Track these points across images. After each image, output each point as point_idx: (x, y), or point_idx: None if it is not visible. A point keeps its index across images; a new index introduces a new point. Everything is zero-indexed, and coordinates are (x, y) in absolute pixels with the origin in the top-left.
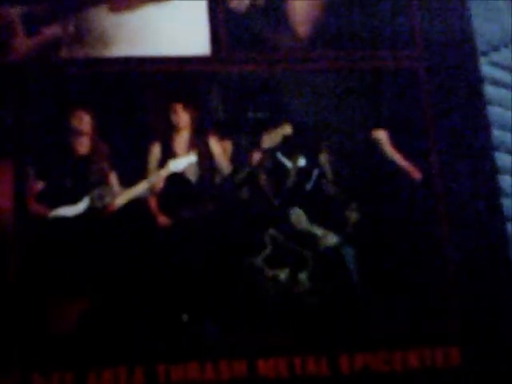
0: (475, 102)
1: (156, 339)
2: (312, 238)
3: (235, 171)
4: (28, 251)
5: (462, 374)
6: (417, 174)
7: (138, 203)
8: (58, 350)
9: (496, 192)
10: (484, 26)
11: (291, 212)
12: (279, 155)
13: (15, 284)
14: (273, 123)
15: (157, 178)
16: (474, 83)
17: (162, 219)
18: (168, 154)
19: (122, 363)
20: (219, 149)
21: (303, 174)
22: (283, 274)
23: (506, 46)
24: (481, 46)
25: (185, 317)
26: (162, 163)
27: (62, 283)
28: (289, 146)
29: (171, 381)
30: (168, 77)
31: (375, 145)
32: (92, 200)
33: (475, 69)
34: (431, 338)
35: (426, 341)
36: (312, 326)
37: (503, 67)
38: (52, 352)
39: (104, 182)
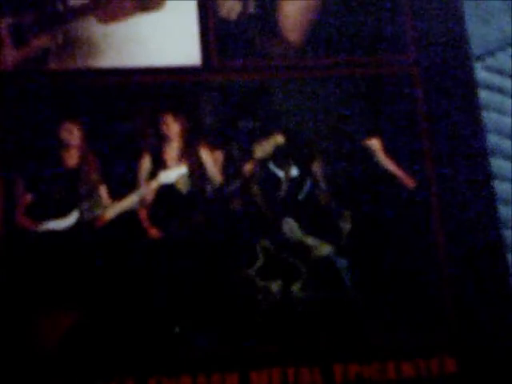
0: (470, 107)
1: (148, 352)
2: (305, 249)
3: (227, 182)
4: (16, 265)
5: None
6: (411, 182)
7: (128, 216)
8: (46, 365)
9: (492, 199)
10: (479, 29)
11: (284, 222)
12: (271, 165)
13: (2, 298)
14: (264, 133)
15: (147, 190)
16: (469, 88)
17: (153, 231)
18: (158, 165)
19: (113, 376)
20: (210, 159)
21: (296, 183)
22: (276, 286)
23: (502, 49)
24: (476, 50)
25: (177, 329)
26: (153, 175)
27: (51, 296)
28: (281, 156)
29: None
30: (158, 87)
31: (369, 153)
32: (82, 213)
33: (470, 74)
34: (426, 348)
35: (421, 351)
36: (305, 336)
37: (499, 72)
38: (40, 366)
39: (94, 194)
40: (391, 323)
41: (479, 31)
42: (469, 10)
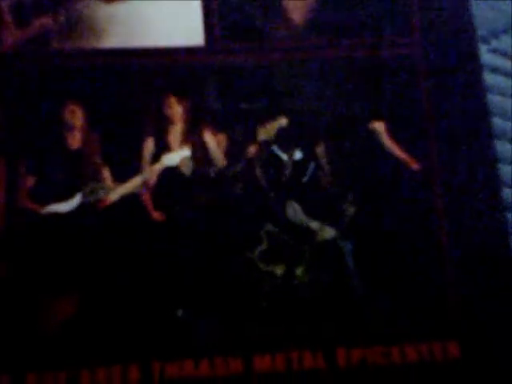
0: (475, 90)
1: (150, 336)
2: (308, 232)
3: (230, 164)
4: (20, 247)
5: (461, 367)
6: (415, 165)
7: (131, 198)
8: (50, 349)
9: (496, 182)
10: (484, 11)
11: (287, 206)
12: (275, 148)
13: (7, 279)
14: (268, 115)
15: (150, 173)
16: (474, 71)
17: (156, 214)
18: (162, 147)
19: (116, 361)
20: (214, 142)
21: (299, 166)
22: (279, 269)
23: (506, 32)
24: (481, 32)
25: (179, 312)
26: (156, 157)
27: (55, 279)
28: (284, 139)
29: (166, 378)
30: (161, 68)
31: (373, 136)
32: (85, 195)
33: (475, 56)
34: (430, 331)
35: (425, 334)
36: (309, 320)
37: (503, 54)
38: (44, 351)
39: (97, 176)
40: (395, 307)
41: (484, 13)
42: None
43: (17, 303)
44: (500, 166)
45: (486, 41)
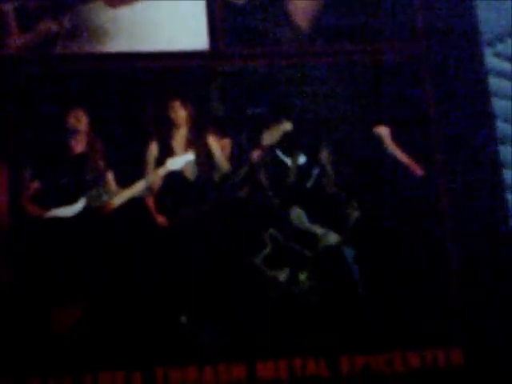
0: (479, 94)
1: (154, 343)
2: (312, 238)
3: (234, 169)
4: (25, 252)
5: (465, 374)
6: (419, 171)
7: (135, 203)
8: (53, 354)
9: (500, 186)
10: (489, 15)
11: (291, 211)
12: (279, 152)
13: (13, 284)
14: (272, 120)
15: (154, 177)
16: (479, 75)
17: (160, 219)
18: (166, 152)
19: (120, 367)
20: (218, 146)
21: (303, 171)
22: (283, 274)
23: (510, 36)
24: (485, 36)
25: (183, 319)
26: (160, 162)
27: (59, 284)
28: (289, 143)
29: None
30: (165, 73)
31: (377, 141)
32: (89, 200)
33: (480, 60)
34: (433, 338)
35: (428, 341)
36: (312, 326)
37: (508, 58)
38: (48, 355)
39: (101, 181)
40: (398, 314)
41: (489, 17)
42: None
43: (21, 308)
44: (505, 171)
45: (490, 45)
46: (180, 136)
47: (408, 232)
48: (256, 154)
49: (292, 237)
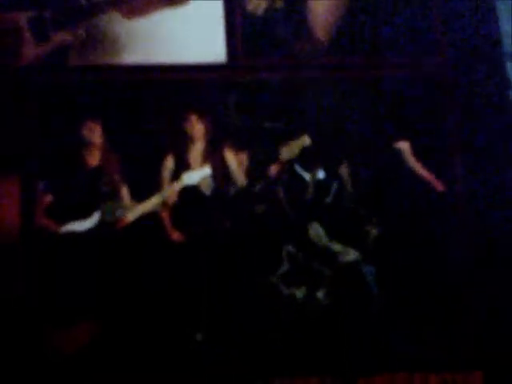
0: (502, 107)
1: (169, 360)
2: (331, 255)
3: (251, 184)
4: (37, 266)
5: None
6: (440, 186)
7: (150, 217)
8: (66, 370)
9: None
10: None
11: (309, 227)
12: (298, 167)
13: (24, 298)
14: (291, 134)
15: (170, 192)
16: (501, 88)
17: (176, 234)
18: (182, 166)
19: None
20: (235, 160)
21: (322, 187)
22: (300, 292)
23: None
24: (507, 48)
25: (198, 336)
26: (176, 176)
27: (72, 297)
28: (307, 158)
29: None
30: (182, 85)
31: (397, 156)
32: (103, 214)
33: (502, 73)
34: (454, 360)
35: (449, 363)
36: (329, 346)
37: None
38: (59, 371)
39: (115, 195)
40: (418, 335)
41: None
42: (501, 9)
43: (34, 321)
44: None
45: None
46: (196, 150)
47: (429, 250)
48: (274, 169)
49: (310, 254)
